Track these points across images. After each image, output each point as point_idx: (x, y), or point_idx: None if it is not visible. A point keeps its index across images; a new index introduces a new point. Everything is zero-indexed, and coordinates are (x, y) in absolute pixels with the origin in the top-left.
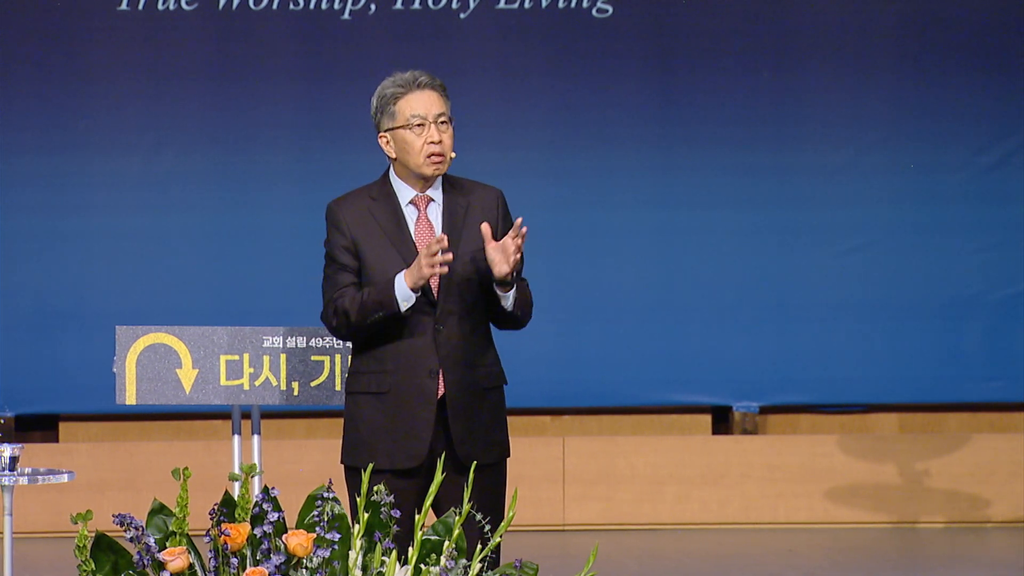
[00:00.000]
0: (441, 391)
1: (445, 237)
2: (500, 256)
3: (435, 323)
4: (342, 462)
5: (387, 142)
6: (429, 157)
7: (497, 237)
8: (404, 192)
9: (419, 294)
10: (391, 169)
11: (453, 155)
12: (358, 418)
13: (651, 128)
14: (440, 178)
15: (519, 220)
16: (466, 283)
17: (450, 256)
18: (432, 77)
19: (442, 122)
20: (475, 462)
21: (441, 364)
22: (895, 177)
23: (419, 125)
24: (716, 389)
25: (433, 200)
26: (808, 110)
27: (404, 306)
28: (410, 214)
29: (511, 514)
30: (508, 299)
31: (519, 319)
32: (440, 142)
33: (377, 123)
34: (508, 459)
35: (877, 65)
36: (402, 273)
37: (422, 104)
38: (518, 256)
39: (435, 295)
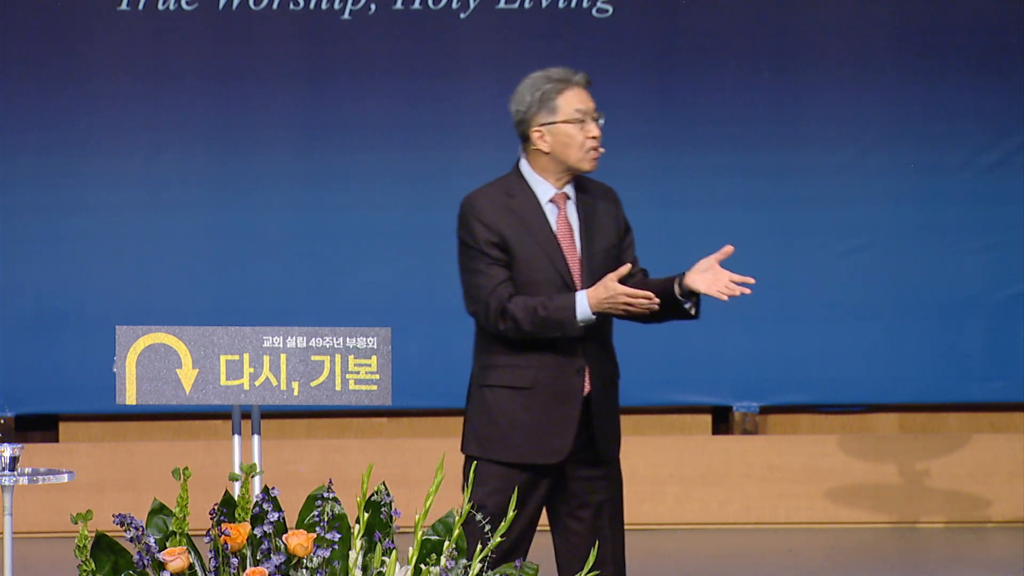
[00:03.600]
0: (587, 388)
1: (651, 296)
2: (711, 278)
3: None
4: (466, 451)
5: (541, 136)
6: (588, 152)
7: (619, 231)
8: (542, 189)
9: (597, 318)
10: (523, 164)
11: (603, 150)
12: (495, 411)
13: (651, 128)
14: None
15: (729, 249)
16: (601, 279)
17: (657, 303)
18: (583, 73)
19: (596, 117)
20: (610, 455)
21: (587, 362)
22: (895, 177)
23: (581, 120)
24: (716, 389)
25: (569, 198)
26: (808, 110)
27: (581, 327)
28: (550, 212)
29: (511, 514)
30: (688, 304)
31: (672, 319)
32: (597, 137)
33: (529, 118)
34: None
35: (877, 65)
36: (584, 294)
37: (581, 100)
38: (724, 296)
39: (579, 289)
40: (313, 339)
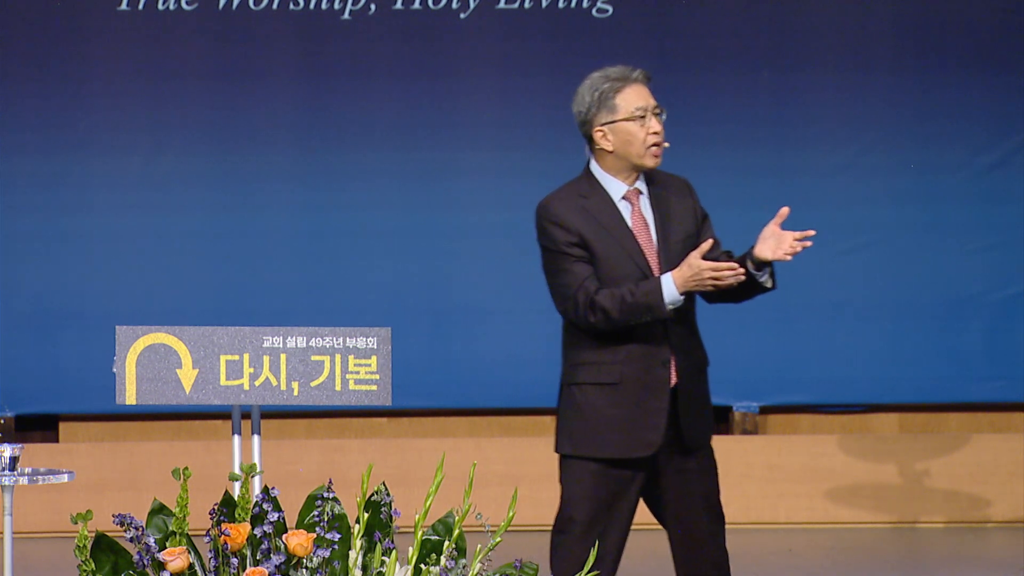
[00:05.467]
0: (674, 380)
1: (735, 266)
2: (774, 243)
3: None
4: (559, 451)
5: (603, 135)
6: (650, 148)
7: (696, 220)
8: (614, 187)
9: (684, 299)
10: (593, 165)
11: (667, 144)
12: (586, 408)
13: None
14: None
15: (785, 210)
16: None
17: (742, 272)
18: (640, 69)
19: (658, 115)
20: (698, 445)
21: (673, 353)
22: (895, 177)
23: (641, 117)
24: (716, 389)
25: (642, 193)
26: (808, 110)
27: (671, 309)
28: (624, 209)
29: (511, 513)
30: (764, 276)
31: (755, 295)
32: (659, 132)
33: (590, 118)
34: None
35: (877, 65)
36: (669, 276)
37: (640, 96)
38: (789, 255)
39: None
40: (313, 339)
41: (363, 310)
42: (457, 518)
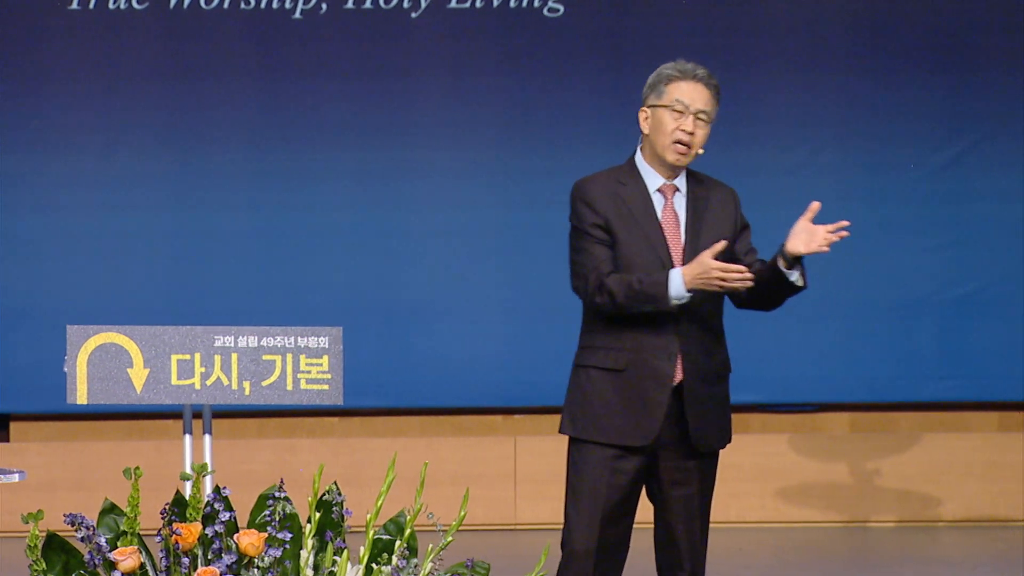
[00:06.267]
0: (679, 376)
1: (743, 270)
2: (806, 237)
3: (681, 307)
4: (564, 432)
5: (646, 117)
6: (675, 143)
7: (734, 228)
8: (651, 179)
9: (693, 295)
10: (637, 155)
11: (701, 151)
12: (590, 392)
13: (603, 128)
14: (684, 170)
15: (816, 205)
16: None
17: (750, 277)
18: (710, 75)
19: (700, 117)
20: (708, 448)
21: (681, 349)
22: (847, 176)
23: (678, 111)
24: None
25: (679, 190)
26: (760, 110)
27: (676, 303)
28: (657, 201)
29: (463, 513)
30: (794, 275)
31: (786, 297)
32: (692, 134)
33: (644, 99)
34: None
35: (829, 65)
36: (679, 271)
37: (689, 93)
38: (825, 247)
39: None
40: (264, 339)
41: (315, 310)
42: (409, 517)
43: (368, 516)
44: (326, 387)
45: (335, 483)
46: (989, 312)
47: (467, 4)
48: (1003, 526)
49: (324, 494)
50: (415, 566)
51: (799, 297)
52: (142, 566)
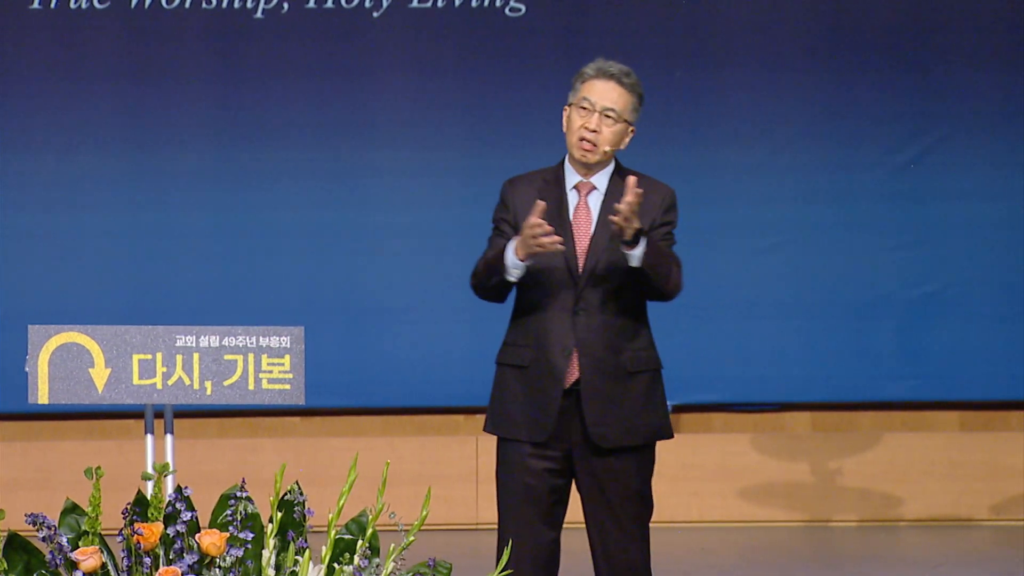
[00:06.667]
0: (576, 374)
1: (543, 223)
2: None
3: (575, 305)
4: (486, 429)
5: (565, 116)
6: (580, 141)
7: (651, 226)
8: (571, 177)
9: (529, 264)
10: (567, 153)
11: (607, 149)
12: (503, 388)
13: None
14: (611, 167)
15: (631, 180)
16: (614, 269)
17: (557, 241)
18: (628, 73)
19: (608, 115)
20: (612, 445)
21: (577, 346)
22: (809, 176)
23: (585, 109)
24: None
25: (596, 188)
26: (721, 109)
27: (514, 274)
28: (572, 199)
29: (425, 512)
30: (633, 258)
31: (653, 282)
32: (595, 131)
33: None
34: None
35: (790, 64)
36: (513, 241)
37: (598, 91)
38: (625, 214)
39: (580, 276)
40: (226, 338)
41: (276, 309)
42: (370, 517)
43: (330, 516)
44: (288, 387)
45: (297, 483)
46: (950, 312)
47: (428, 3)
48: (965, 525)
49: (286, 494)
50: (377, 566)
51: (761, 298)
52: (103, 566)
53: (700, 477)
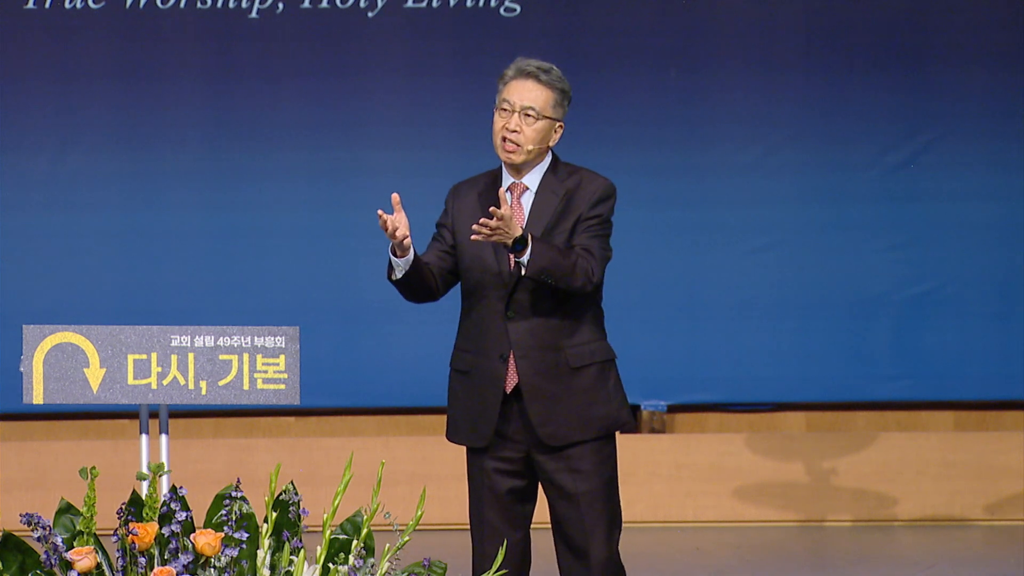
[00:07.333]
0: (514, 376)
1: (390, 208)
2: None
3: (506, 309)
4: (446, 434)
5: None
6: (503, 142)
7: (576, 221)
8: (506, 178)
9: (407, 257)
10: None
11: (531, 148)
12: (452, 394)
13: None
14: (545, 165)
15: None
16: None
17: (400, 224)
18: (548, 70)
19: (528, 114)
20: (565, 442)
21: (513, 349)
22: (803, 176)
23: (505, 110)
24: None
25: (528, 188)
26: (715, 109)
27: (397, 270)
28: (506, 200)
29: (419, 512)
30: (521, 266)
31: (551, 284)
32: (516, 131)
33: None
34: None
35: (784, 64)
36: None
37: (517, 91)
38: (484, 235)
39: (510, 279)
40: (221, 338)
41: (271, 309)
42: (365, 517)
43: (325, 516)
44: (283, 387)
45: (292, 483)
46: (944, 311)
47: (423, 4)
48: (959, 525)
49: (281, 494)
50: (372, 566)
51: (756, 298)
52: (98, 566)
53: (694, 477)
